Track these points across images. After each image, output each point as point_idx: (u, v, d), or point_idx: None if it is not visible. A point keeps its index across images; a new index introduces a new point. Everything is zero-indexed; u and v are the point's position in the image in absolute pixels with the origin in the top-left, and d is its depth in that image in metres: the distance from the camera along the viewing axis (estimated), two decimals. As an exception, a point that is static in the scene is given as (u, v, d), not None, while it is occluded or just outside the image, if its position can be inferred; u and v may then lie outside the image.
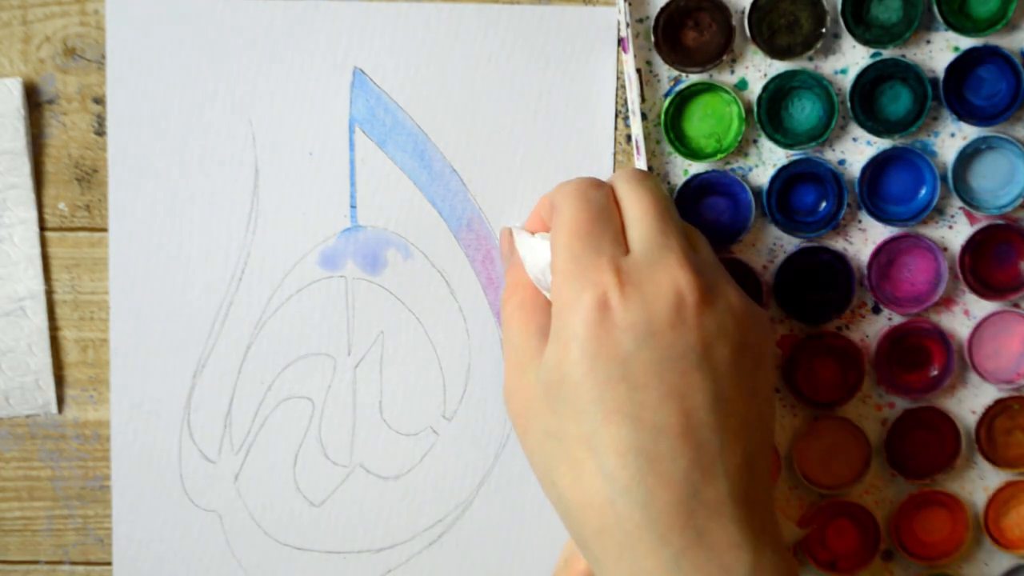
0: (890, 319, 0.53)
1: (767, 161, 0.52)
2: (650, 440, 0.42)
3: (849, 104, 0.51)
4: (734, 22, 0.51)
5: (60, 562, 0.55)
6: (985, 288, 0.52)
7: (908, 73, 0.51)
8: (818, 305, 0.53)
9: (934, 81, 0.51)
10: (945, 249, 0.53)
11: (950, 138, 0.52)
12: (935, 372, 0.53)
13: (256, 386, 0.54)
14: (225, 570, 0.55)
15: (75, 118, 0.53)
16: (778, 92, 0.52)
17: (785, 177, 0.52)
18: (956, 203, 0.52)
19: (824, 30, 0.51)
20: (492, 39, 0.53)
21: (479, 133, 0.53)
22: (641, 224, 0.45)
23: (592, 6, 0.52)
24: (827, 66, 0.52)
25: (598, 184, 0.47)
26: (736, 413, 0.43)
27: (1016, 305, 0.53)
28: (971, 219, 0.53)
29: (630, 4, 0.51)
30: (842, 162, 0.52)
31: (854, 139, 0.52)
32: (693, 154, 0.52)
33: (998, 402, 0.53)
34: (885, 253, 0.52)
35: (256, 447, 0.54)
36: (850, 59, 0.52)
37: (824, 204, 0.52)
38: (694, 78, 0.52)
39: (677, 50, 0.52)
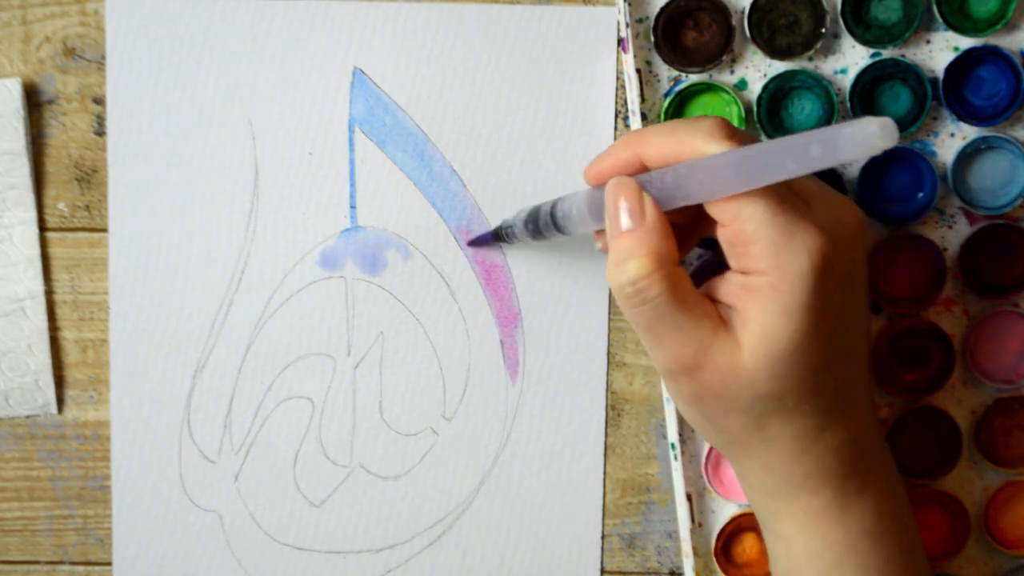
0: (890, 319, 0.53)
1: (767, 161, 0.52)
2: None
3: (849, 104, 0.51)
4: (734, 22, 0.51)
5: (60, 562, 0.55)
6: (985, 288, 0.52)
7: (908, 73, 0.51)
8: (818, 305, 0.52)
9: (934, 81, 0.51)
10: (945, 249, 0.53)
11: (950, 138, 0.52)
12: (935, 372, 0.53)
13: (256, 386, 0.54)
14: (225, 570, 0.55)
15: (75, 118, 0.53)
16: (778, 92, 0.52)
17: (785, 177, 0.52)
18: (956, 203, 0.52)
19: (824, 30, 0.51)
20: (492, 39, 0.53)
21: (479, 133, 0.53)
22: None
23: (592, 6, 0.52)
24: (827, 66, 0.52)
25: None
26: None
27: (1016, 305, 0.53)
28: (971, 219, 0.53)
29: (630, 4, 0.51)
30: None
31: (854, 139, 0.52)
32: (693, 154, 0.52)
33: (998, 402, 0.53)
34: (885, 253, 0.52)
35: (256, 447, 0.54)
36: (850, 59, 0.52)
37: (824, 204, 0.52)
38: (694, 78, 0.52)
39: (677, 50, 0.52)
